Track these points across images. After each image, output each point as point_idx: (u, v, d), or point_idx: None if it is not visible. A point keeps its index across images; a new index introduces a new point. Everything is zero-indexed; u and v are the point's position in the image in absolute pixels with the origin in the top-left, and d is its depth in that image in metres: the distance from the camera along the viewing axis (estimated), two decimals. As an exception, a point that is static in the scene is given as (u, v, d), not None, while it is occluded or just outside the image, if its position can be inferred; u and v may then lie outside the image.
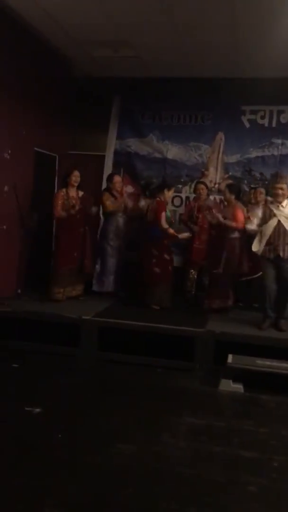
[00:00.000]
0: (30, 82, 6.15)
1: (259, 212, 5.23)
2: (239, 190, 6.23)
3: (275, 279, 5.10)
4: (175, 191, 6.80)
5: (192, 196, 6.94)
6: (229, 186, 6.07)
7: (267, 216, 5.12)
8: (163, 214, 5.96)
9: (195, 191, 6.69)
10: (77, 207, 5.79)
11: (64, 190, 5.84)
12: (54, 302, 5.71)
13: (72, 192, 5.85)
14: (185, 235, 6.18)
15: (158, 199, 6.08)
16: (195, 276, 6.47)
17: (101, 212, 6.47)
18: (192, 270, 6.46)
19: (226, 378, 4.44)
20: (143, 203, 6.49)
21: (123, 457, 3.19)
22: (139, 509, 2.67)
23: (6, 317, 5.33)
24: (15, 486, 2.80)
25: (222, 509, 2.71)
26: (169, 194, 6.22)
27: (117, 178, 6.53)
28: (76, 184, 5.90)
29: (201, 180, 6.89)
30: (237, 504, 2.77)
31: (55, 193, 5.84)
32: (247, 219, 5.55)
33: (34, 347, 5.13)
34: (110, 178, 6.54)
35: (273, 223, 5.05)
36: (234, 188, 6.03)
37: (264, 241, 5.10)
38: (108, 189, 6.41)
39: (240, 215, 5.68)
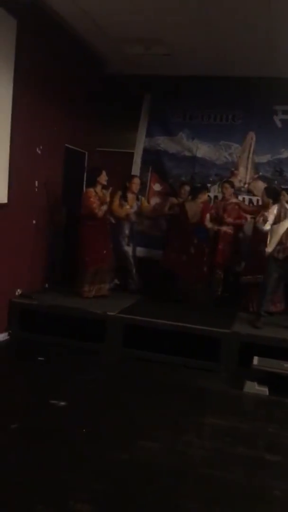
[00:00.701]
0: (63, 79, 6.20)
1: (275, 211, 5.18)
2: (277, 193, 6.11)
3: (277, 280, 5.15)
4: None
5: (221, 195, 6.89)
6: (266, 190, 5.99)
7: (282, 215, 5.10)
8: (208, 214, 6.15)
9: (221, 191, 6.67)
10: (105, 207, 5.80)
11: (92, 189, 5.79)
12: (84, 299, 5.73)
13: (99, 191, 5.86)
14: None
15: (202, 200, 6.26)
16: (222, 277, 6.45)
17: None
18: (218, 271, 6.45)
19: (251, 380, 4.41)
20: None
21: (148, 455, 3.20)
22: (163, 507, 2.68)
23: (32, 310, 5.41)
24: (40, 479, 2.84)
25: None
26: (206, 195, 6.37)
27: (137, 180, 6.55)
28: (105, 184, 5.91)
29: (229, 179, 6.83)
30: (261, 508, 2.75)
31: (87, 192, 5.78)
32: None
33: (60, 341, 5.19)
34: (129, 178, 6.53)
35: (286, 223, 5.05)
36: (270, 192, 5.91)
37: (274, 241, 5.07)
38: (124, 188, 6.39)
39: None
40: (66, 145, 6.56)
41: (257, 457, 3.29)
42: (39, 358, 4.83)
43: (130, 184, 6.39)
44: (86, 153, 7.34)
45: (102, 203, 5.75)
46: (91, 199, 5.69)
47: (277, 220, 5.12)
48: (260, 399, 4.30)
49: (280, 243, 5.05)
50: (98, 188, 5.83)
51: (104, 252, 5.91)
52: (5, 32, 4.79)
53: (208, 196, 7.13)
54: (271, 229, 5.13)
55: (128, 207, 6.36)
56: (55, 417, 3.66)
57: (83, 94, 6.87)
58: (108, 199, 5.82)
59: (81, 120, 6.89)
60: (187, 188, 6.62)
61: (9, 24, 4.82)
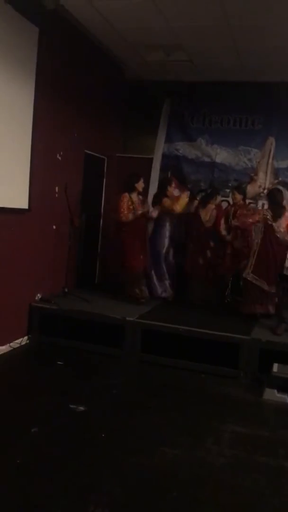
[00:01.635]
0: (84, 85, 6.27)
1: None
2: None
3: None
4: (222, 195, 6.78)
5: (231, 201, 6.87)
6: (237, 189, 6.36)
7: None
8: (222, 222, 6.21)
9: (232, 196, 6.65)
10: (140, 211, 5.81)
11: (127, 194, 5.79)
12: (140, 304, 5.82)
13: (135, 197, 5.86)
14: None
15: (215, 204, 6.35)
16: (231, 280, 6.45)
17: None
18: (228, 276, 6.45)
19: (271, 387, 4.37)
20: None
21: (167, 460, 3.20)
22: (183, 514, 2.67)
23: (52, 315, 5.46)
24: (60, 482, 2.86)
25: (266, 521, 2.67)
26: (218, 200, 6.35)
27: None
28: (140, 191, 5.93)
29: (247, 184, 6.81)
30: (282, 517, 2.72)
31: (122, 196, 5.78)
32: None
33: (79, 346, 5.23)
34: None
35: None
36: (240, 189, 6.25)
37: None
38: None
39: None
40: (86, 151, 6.62)
41: (277, 465, 3.26)
42: (59, 363, 4.86)
43: (138, 184, 6.28)
44: (106, 158, 7.39)
45: (133, 209, 5.77)
46: (121, 203, 5.72)
47: None
48: (280, 406, 4.25)
49: None
50: (134, 194, 5.84)
51: (141, 257, 5.94)
52: (27, 40, 4.86)
53: (227, 201, 7.11)
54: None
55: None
56: (75, 421, 3.68)
57: (103, 100, 6.93)
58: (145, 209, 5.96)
59: (101, 126, 6.94)
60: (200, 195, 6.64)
61: (30, 33, 4.89)
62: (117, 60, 6.87)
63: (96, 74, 6.59)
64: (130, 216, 5.74)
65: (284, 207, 5.67)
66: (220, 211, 6.38)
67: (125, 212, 5.72)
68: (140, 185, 5.87)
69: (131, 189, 5.82)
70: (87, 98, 6.41)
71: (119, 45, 6.25)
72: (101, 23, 5.57)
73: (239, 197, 6.47)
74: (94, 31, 5.91)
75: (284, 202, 5.81)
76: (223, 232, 6.26)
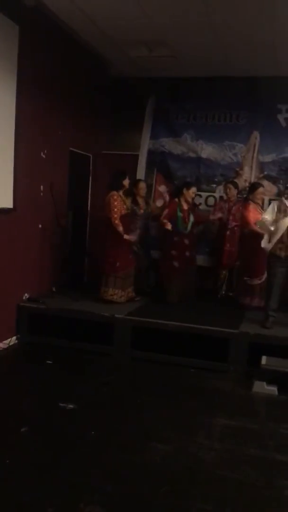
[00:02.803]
0: (67, 82, 6.23)
1: (275, 207, 5.15)
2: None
3: (284, 278, 5.09)
4: (209, 190, 6.80)
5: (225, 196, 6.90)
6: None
7: (282, 213, 5.03)
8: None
9: (224, 191, 6.67)
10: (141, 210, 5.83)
11: (116, 193, 5.71)
12: (112, 303, 5.68)
13: (123, 196, 5.81)
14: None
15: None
16: (226, 276, 6.50)
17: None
18: (223, 271, 6.49)
19: (260, 380, 4.39)
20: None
21: (158, 456, 3.20)
22: (174, 508, 2.67)
23: (41, 314, 5.43)
24: (50, 482, 2.85)
25: (257, 512, 2.68)
26: (189, 193, 6.16)
27: (142, 184, 6.55)
28: (127, 188, 5.88)
29: (234, 180, 6.84)
30: (272, 508, 2.73)
31: (111, 195, 5.68)
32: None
33: (69, 344, 5.21)
34: (135, 183, 6.48)
35: (286, 221, 4.98)
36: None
37: (275, 238, 5.04)
38: (132, 193, 6.33)
39: None
40: (71, 148, 6.58)
41: (268, 457, 3.28)
42: (48, 362, 4.85)
43: (137, 190, 6.39)
44: (91, 156, 7.36)
45: (126, 209, 5.77)
46: (115, 203, 5.64)
47: (278, 217, 5.05)
48: (270, 399, 4.28)
49: (281, 241, 5.00)
50: (121, 194, 5.80)
51: (130, 257, 5.90)
52: (7, 38, 4.81)
53: (213, 196, 7.14)
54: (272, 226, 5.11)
55: (141, 211, 6.41)
56: (65, 419, 3.66)
57: (87, 97, 6.90)
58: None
59: (85, 123, 6.91)
60: (194, 189, 6.61)
61: (11, 30, 4.84)
62: (100, 57, 6.83)
63: (80, 71, 6.55)
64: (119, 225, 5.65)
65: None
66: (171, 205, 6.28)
67: (118, 214, 5.63)
68: (127, 182, 5.83)
69: (119, 187, 5.77)
70: (71, 96, 6.37)
71: (102, 42, 6.21)
72: (82, 20, 5.54)
73: (234, 192, 6.51)
74: (76, 28, 5.86)
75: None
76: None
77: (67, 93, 6.27)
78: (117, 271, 5.74)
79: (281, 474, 3.07)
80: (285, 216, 4.99)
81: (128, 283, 5.89)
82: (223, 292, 6.57)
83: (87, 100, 6.92)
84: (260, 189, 6.07)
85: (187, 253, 6.20)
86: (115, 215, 5.63)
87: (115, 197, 5.68)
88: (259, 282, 5.82)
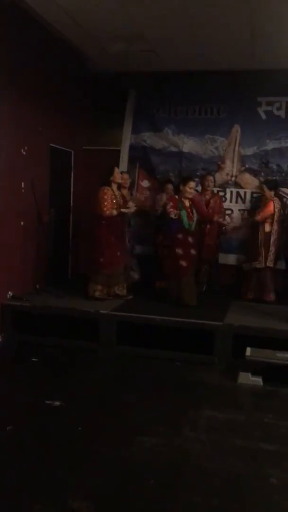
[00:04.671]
0: (46, 78, 6.17)
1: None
2: (276, 185, 6.39)
3: None
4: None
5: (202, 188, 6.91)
6: (266, 183, 6.35)
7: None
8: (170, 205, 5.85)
9: (202, 183, 6.68)
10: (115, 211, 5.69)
11: (109, 188, 5.68)
12: (96, 300, 5.62)
13: (116, 191, 5.78)
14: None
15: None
16: (208, 270, 6.54)
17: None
18: (204, 265, 6.52)
19: (245, 371, 4.44)
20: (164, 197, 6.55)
21: (145, 450, 3.21)
22: (161, 501, 2.69)
23: (25, 312, 5.39)
24: (38, 478, 2.84)
25: (244, 502, 2.72)
26: (186, 189, 5.79)
27: (126, 176, 6.53)
28: (120, 181, 5.83)
29: (220, 174, 6.89)
30: (259, 497, 2.77)
31: (102, 189, 5.64)
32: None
33: (54, 342, 5.19)
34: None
35: None
36: (272, 184, 6.31)
37: None
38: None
39: (270, 208, 6.05)
40: (52, 144, 6.53)
41: (253, 447, 3.31)
42: (33, 359, 4.82)
43: (113, 176, 6.23)
44: (72, 152, 7.31)
45: (118, 204, 5.70)
46: (105, 197, 5.59)
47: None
48: (255, 389, 4.33)
49: None
50: (114, 187, 5.76)
51: (118, 254, 5.81)
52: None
53: (196, 190, 7.12)
54: None
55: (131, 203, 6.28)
56: (51, 417, 3.66)
57: (66, 93, 6.84)
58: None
59: (66, 119, 6.86)
60: (170, 186, 6.63)
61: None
62: (79, 52, 6.77)
63: (58, 66, 6.49)
64: (114, 212, 5.64)
65: None
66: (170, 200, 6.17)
67: (109, 206, 5.60)
68: (116, 177, 5.76)
69: (108, 183, 5.73)
70: (50, 92, 6.31)
71: (80, 37, 6.16)
72: (60, 14, 5.48)
73: (212, 184, 6.54)
74: (54, 23, 5.80)
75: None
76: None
77: (46, 89, 6.21)
78: (101, 268, 5.70)
79: (267, 463, 3.11)
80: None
81: (114, 281, 5.84)
82: (205, 286, 6.60)
83: (67, 96, 6.86)
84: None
85: (193, 252, 5.88)
86: (105, 208, 5.56)
87: (106, 190, 5.65)
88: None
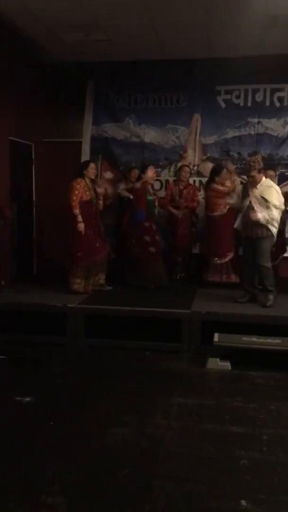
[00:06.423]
0: (2, 70, 6.03)
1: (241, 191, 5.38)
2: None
3: (251, 256, 5.23)
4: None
5: (172, 179, 6.95)
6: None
7: (245, 194, 5.27)
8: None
9: (178, 173, 6.69)
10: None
11: (82, 180, 5.65)
12: (76, 294, 5.60)
13: (89, 184, 5.73)
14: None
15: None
16: (182, 260, 6.60)
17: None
18: (178, 254, 6.57)
19: (214, 357, 4.50)
20: (122, 186, 6.54)
21: (117, 440, 3.22)
22: (136, 489, 2.71)
23: (-9, 309, 5.30)
24: (12, 476, 2.81)
25: (216, 484, 2.76)
26: (146, 176, 6.07)
27: (93, 165, 6.42)
28: (93, 177, 5.80)
29: (182, 163, 6.91)
30: (231, 478, 2.82)
31: (73, 182, 5.61)
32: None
33: (21, 338, 5.12)
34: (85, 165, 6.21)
35: (246, 202, 5.18)
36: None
37: (240, 219, 5.30)
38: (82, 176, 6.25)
39: None
40: (10, 137, 6.40)
41: (223, 430, 3.37)
42: (1, 357, 4.75)
43: (87, 171, 6.23)
44: (33, 145, 7.19)
45: (91, 196, 5.67)
46: (78, 186, 5.56)
47: (242, 199, 5.33)
48: (223, 374, 4.39)
49: (243, 221, 5.24)
50: (87, 180, 5.70)
51: (97, 245, 5.79)
52: None
53: (159, 180, 7.17)
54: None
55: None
56: (22, 413, 3.62)
57: (24, 85, 6.70)
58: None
59: (24, 111, 6.73)
60: (136, 172, 6.62)
61: None
62: (36, 42, 6.64)
63: (13, 57, 6.34)
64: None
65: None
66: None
67: (77, 199, 5.55)
68: (89, 172, 5.71)
69: (81, 176, 5.68)
70: (6, 83, 6.16)
71: (35, 26, 6.04)
72: (13, 3, 5.35)
73: (187, 176, 6.60)
74: (7, 12, 5.66)
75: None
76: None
77: (2, 81, 6.06)
78: (78, 261, 5.66)
79: (237, 445, 3.17)
80: (246, 196, 5.19)
81: (93, 273, 5.81)
82: (179, 275, 6.66)
83: (25, 88, 6.72)
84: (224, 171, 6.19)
85: (157, 238, 6.18)
86: (74, 197, 5.54)
87: (78, 180, 5.61)
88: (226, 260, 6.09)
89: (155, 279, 6.09)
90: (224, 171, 6.14)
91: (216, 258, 6.11)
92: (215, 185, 6.09)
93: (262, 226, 5.06)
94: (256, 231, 5.10)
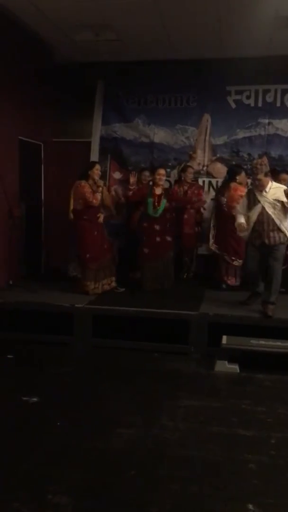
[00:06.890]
0: (11, 69, 6.04)
1: (245, 199, 5.16)
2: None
3: (259, 263, 5.10)
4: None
5: (175, 180, 6.93)
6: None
7: (252, 202, 5.00)
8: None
9: (181, 174, 6.66)
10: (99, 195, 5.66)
11: (85, 183, 5.62)
12: (89, 295, 5.60)
13: (93, 185, 5.70)
14: None
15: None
16: (189, 261, 6.59)
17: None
18: (186, 257, 6.55)
19: (221, 359, 4.48)
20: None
21: (123, 441, 3.21)
22: (141, 491, 2.70)
23: (-1, 308, 5.31)
24: (18, 475, 2.81)
25: (223, 487, 2.74)
26: (155, 176, 6.02)
27: (98, 166, 6.39)
28: (97, 178, 5.76)
29: (189, 163, 6.89)
30: (238, 482, 2.80)
31: (79, 184, 5.61)
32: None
33: (29, 337, 5.12)
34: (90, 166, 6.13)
35: (257, 209, 4.93)
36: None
37: (250, 227, 5.00)
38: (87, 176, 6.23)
39: None
40: (20, 137, 6.41)
41: (231, 433, 3.35)
42: (9, 356, 4.76)
43: (92, 171, 6.23)
44: (42, 144, 7.20)
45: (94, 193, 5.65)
46: (85, 189, 5.55)
47: (249, 207, 5.02)
48: (231, 377, 4.37)
49: (254, 229, 4.97)
50: (90, 182, 5.68)
51: (105, 246, 5.81)
52: None
53: (168, 181, 7.14)
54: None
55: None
56: (29, 413, 3.62)
57: (35, 84, 6.71)
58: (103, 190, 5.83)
59: (34, 111, 6.74)
60: (147, 173, 6.60)
61: None
62: (45, 42, 6.65)
63: (24, 57, 6.34)
64: (97, 198, 5.61)
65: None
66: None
67: (92, 196, 5.55)
68: (94, 172, 5.69)
69: (86, 177, 5.67)
70: (16, 83, 6.18)
71: (46, 26, 6.04)
72: (23, 3, 5.36)
73: (191, 176, 6.56)
74: (18, 12, 5.67)
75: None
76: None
77: (12, 81, 6.07)
78: (87, 263, 5.66)
79: (244, 448, 3.15)
80: (254, 204, 4.97)
81: (102, 274, 5.80)
82: (186, 275, 6.65)
83: (34, 87, 6.72)
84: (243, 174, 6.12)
85: (158, 239, 5.98)
86: (89, 199, 5.53)
87: (83, 184, 5.60)
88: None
89: (162, 280, 6.03)
90: (243, 173, 6.09)
91: (234, 258, 6.04)
92: (237, 185, 5.98)
93: (279, 232, 4.90)
94: (274, 237, 4.90)
